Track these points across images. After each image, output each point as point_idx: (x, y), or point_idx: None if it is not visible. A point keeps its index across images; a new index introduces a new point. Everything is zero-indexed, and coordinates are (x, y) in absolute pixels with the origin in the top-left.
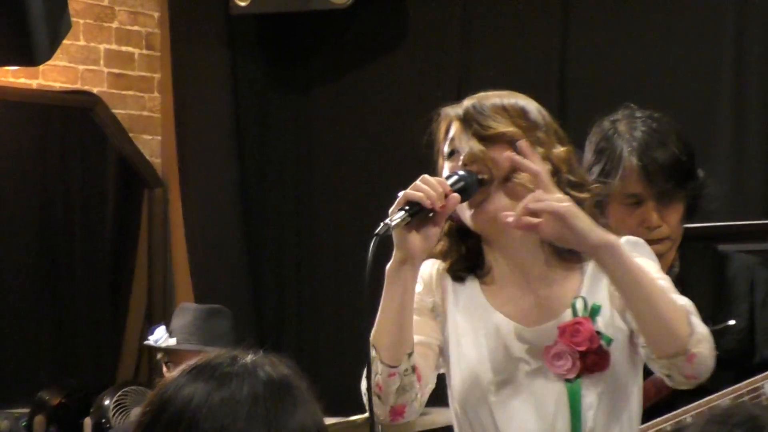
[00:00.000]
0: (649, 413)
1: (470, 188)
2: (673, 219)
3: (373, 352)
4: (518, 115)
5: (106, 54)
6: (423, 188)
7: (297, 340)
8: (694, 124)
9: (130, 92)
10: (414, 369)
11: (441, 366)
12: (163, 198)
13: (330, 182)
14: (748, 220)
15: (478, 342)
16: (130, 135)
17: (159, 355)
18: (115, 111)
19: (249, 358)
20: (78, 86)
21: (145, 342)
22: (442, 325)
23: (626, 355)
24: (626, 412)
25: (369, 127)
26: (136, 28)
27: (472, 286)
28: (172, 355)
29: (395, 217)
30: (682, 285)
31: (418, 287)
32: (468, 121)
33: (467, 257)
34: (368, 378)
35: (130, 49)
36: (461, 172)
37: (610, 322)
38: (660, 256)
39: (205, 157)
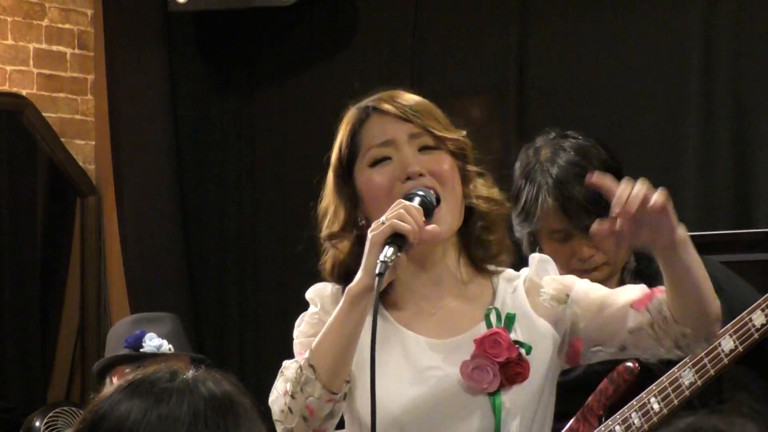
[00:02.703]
0: (610, 411)
1: (431, 210)
2: (606, 245)
3: (309, 373)
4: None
5: (36, 54)
6: (409, 221)
7: (239, 354)
8: (660, 131)
9: (62, 94)
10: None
11: None
12: (96, 207)
13: (274, 189)
14: (715, 230)
15: (384, 361)
16: (62, 140)
17: (128, 369)
18: (45, 114)
19: (190, 373)
20: (6, 88)
21: (142, 350)
22: None
23: (547, 364)
24: (547, 419)
25: (315, 131)
26: (67, 26)
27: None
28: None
29: (389, 254)
30: (642, 279)
31: (313, 308)
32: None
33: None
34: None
35: (61, 48)
36: (421, 192)
37: (531, 329)
38: (604, 283)
39: (142, 164)
